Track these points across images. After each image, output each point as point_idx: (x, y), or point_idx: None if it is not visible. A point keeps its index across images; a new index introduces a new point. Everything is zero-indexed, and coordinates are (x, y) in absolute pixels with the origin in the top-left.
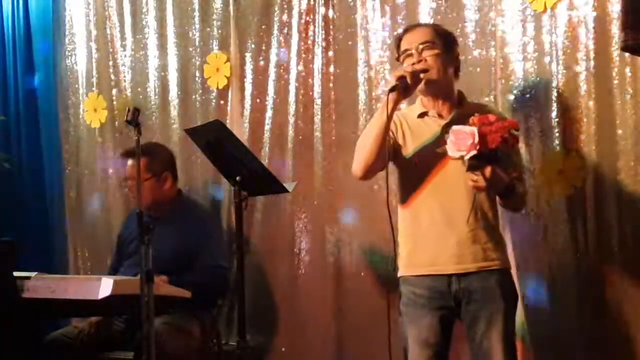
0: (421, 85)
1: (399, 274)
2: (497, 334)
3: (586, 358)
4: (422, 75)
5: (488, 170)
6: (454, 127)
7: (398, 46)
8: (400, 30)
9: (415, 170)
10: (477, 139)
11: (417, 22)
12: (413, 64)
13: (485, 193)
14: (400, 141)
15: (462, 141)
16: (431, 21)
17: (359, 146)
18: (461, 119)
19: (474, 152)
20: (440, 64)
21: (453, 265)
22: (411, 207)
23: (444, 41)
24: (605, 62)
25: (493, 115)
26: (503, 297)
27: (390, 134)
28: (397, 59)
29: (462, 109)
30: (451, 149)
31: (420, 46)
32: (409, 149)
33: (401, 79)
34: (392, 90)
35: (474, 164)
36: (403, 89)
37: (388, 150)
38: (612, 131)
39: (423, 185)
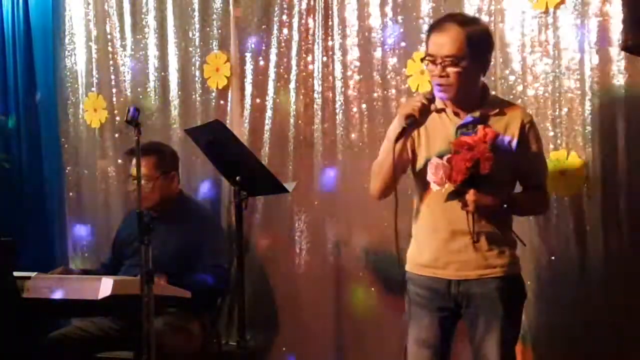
0: (437, 95)
1: (406, 268)
2: (494, 340)
3: (586, 358)
4: (432, 107)
5: (469, 197)
6: (432, 159)
7: (427, 41)
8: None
9: (423, 173)
10: (443, 174)
11: (416, 19)
12: (433, 75)
13: None
14: (416, 143)
15: (436, 174)
16: (430, 21)
17: (373, 171)
18: (477, 120)
19: (447, 185)
20: (462, 79)
21: (453, 272)
22: (419, 208)
23: (473, 50)
24: (606, 62)
25: (482, 130)
26: (502, 303)
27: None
28: (423, 59)
29: (480, 109)
30: (431, 182)
31: (446, 60)
32: (422, 148)
33: (409, 116)
34: (399, 137)
35: (452, 194)
36: (413, 124)
37: (401, 163)
38: (613, 131)
39: (429, 190)
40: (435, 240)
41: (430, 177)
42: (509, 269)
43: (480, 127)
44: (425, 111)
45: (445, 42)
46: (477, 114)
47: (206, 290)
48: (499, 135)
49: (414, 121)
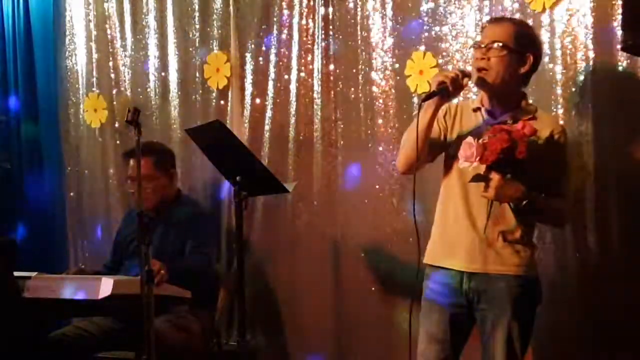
0: (474, 80)
1: (424, 260)
2: (500, 338)
3: (586, 358)
4: (465, 80)
5: (493, 182)
6: (467, 138)
7: (481, 34)
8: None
9: (449, 161)
10: (475, 152)
11: (414, 20)
12: (477, 58)
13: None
14: (448, 133)
15: (466, 152)
16: (429, 22)
17: (402, 144)
18: (506, 121)
19: (475, 164)
20: (502, 67)
21: (465, 264)
22: (443, 197)
23: (519, 44)
24: (605, 62)
25: (521, 123)
26: (512, 302)
27: (444, 123)
28: (471, 46)
29: (515, 112)
30: (460, 160)
31: (490, 43)
32: (453, 139)
33: (441, 84)
34: (427, 97)
35: (477, 176)
36: (444, 93)
37: (428, 148)
38: (612, 131)
39: (454, 178)
40: (453, 231)
41: (460, 153)
42: (523, 270)
43: (520, 121)
44: (457, 83)
45: (496, 31)
46: (509, 115)
47: (191, 273)
48: (536, 131)
49: (445, 89)
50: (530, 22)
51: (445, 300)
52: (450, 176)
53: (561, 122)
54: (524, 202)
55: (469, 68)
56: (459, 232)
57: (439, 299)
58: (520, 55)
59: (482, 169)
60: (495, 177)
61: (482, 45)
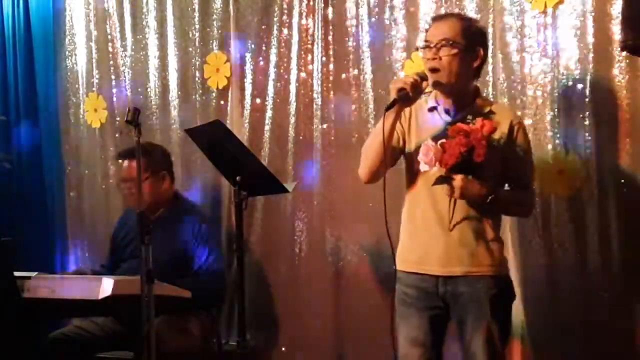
0: (430, 82)
1: (396, 267)
2: (481, 339)
3: (585, 358)
4: (424, 84)
5: (456, 182)
6: (427, 141)
7: (426, 33)
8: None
9: (413, 165)
10: (434, 156)
11: (418, 19)
12: (428, 59)
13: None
14: (407, 136)
15: (426, 155)
16: (431, 22)
17: (363, 152)
18: (466, 118)
19: (435, 168)
20: (455, 65)
21: (439, 267)
22: (409, 201)
23: (468, 39)
24: (605, 62)
25: (480, 122)
26: (490, 302)
27: (401, 127)
28: (418, 48)
29: (470, 108)
30: (421, 163)
31: (440, 42)
32: (412, 142)
33: (401, 90)
34: (390, 106)
35: (440, 178)
36: (405, 99)
37: (389, 154)
38: (612, 131)
39: (419, 182)
40: (423, 235)
41: (421, 157)
42: (497, 268)
43: (478, 119)
44: (417, 88)
45: (442, 29)
46: (467, 112)
47: (203, 295)
48: (496, 128)
49: (405, 95)
50: (531, 22)
51: (421, 304)
52: (414, 180)
53: (518, 113)
54: (490, 198)
55: None
56: (430, 237)
57: (416, 303)
58: (471, 50)
59: (444, 171)
60: (457, 177)
61: (432, 45)
